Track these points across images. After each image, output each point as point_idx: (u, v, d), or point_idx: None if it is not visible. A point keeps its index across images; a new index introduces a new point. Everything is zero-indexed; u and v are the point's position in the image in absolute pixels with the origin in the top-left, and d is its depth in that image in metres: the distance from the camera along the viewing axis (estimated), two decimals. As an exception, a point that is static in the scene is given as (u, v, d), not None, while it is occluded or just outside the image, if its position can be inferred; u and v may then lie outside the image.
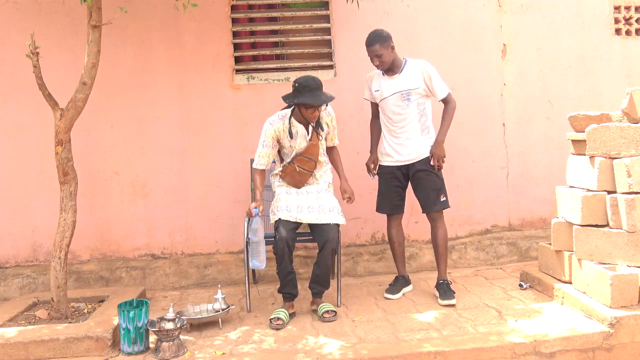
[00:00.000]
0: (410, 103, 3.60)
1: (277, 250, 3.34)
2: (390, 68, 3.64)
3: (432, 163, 3.63)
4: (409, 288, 3.89)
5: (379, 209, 3.85)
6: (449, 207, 3.70)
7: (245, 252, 3.58)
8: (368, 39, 3.58)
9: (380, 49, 3.53)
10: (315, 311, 3.48)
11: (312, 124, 3.43)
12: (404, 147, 3.65)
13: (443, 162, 3.65)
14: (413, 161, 3.66)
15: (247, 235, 3.42)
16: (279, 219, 3.37)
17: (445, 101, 3.66)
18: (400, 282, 3.84)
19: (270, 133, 3.43)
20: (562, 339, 2.90)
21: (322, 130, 3.48)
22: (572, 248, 3.43)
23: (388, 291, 3.77)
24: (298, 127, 3.43)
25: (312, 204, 3.42)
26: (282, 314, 3.36)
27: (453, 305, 3.49)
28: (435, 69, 3.65)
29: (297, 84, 3.32)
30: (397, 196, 3.76)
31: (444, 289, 3.59)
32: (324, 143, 3.56)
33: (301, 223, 3.43)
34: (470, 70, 4.48)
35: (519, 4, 4.52)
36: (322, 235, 3.36)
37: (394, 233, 3.82)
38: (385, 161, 3.75)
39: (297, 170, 3.47)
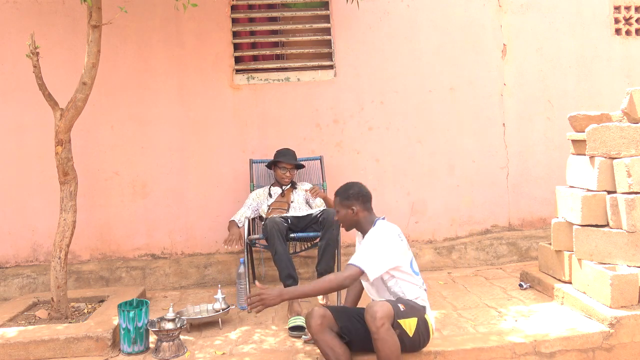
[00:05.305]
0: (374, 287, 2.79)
1: (267, 230, 3.52)
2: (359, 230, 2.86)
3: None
4: None
5: None
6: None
7: (246, 253, 3.63)
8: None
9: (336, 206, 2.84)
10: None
11: (283, 186, 3.98)
12: None
13: (261, 304, 2.53)
14: None
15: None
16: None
17: (348, 269, 2.62)
18: None
19: (252, 196, 4.03)
20: (562, 339, 2.90)
21: (295, 188, 4.00)
22: (572, 248, 3.43)
23: None
24: (275, 190, 4.02)
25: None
26: (299, 321, 3.17)
27: None
28: (384, 236, 2.69)
29: (276, 152, 4.00)
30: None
31: None
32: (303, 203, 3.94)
33: (289, 222, 3.69)
34: (470, 70, 4.47)
35: (519, 4, 4.52)
36: (323, 213, 3.62)
37: None
38: None
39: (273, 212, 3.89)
